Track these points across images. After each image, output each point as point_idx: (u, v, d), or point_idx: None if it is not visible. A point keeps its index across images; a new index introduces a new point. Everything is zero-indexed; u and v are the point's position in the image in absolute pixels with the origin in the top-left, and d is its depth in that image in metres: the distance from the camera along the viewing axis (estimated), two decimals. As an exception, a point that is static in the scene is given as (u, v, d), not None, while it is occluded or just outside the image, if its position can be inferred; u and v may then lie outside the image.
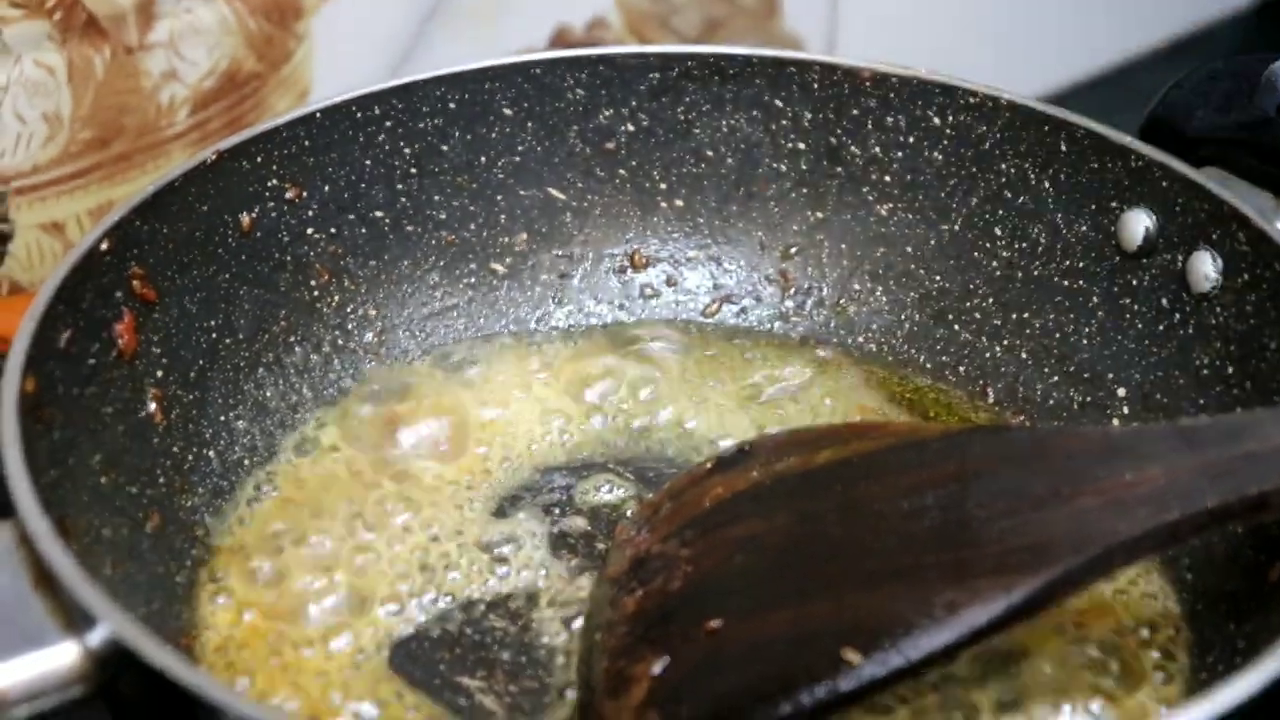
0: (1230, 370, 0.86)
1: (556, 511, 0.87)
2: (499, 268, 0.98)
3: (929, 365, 0.96)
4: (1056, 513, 0.72)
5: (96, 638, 0.66)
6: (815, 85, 0.97)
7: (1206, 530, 0.72)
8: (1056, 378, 0.93)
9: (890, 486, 0.77)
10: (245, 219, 0.90)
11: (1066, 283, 0.93)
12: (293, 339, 0.92)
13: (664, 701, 0.72)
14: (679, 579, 0.77)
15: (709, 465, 0.84)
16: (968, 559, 0.71)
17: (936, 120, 0.96)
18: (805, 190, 0.99)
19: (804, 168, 0.99)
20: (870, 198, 0.98)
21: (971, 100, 0.94)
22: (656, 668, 0.73)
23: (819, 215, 0.99)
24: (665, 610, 0.76)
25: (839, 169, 0.98)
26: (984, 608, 0.70)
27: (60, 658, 0.67)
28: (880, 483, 0.77)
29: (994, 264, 0.95)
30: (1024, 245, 0.94)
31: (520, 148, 0.98)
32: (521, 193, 0.98)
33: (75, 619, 0.67)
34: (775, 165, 0.99)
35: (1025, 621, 0.71)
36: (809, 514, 0.78)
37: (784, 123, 0.98)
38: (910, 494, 0.75)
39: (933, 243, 0.97)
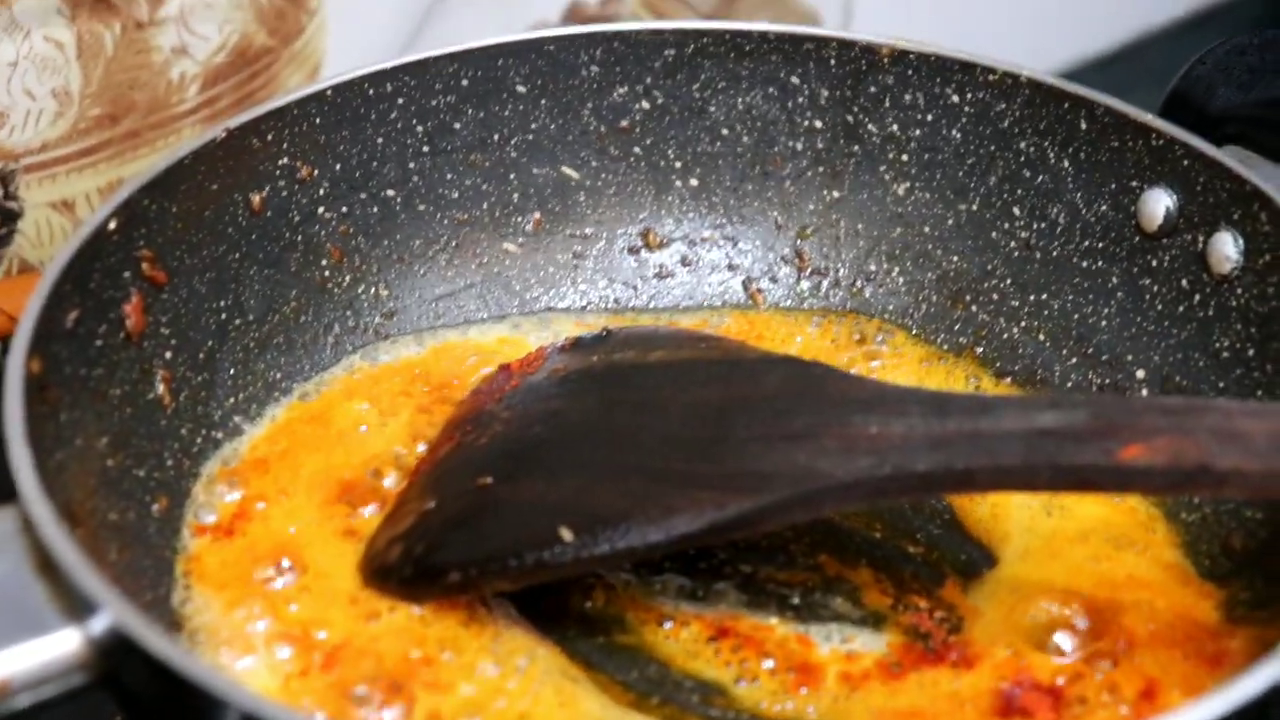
0: (1251, 353, 0.85)
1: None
2: (512, 247, 0.98)
3: (946, 347, 0.95)
4: (800, 447, 0.75)
5: (98, 625, 0.65)
6: (832, 62, 0.96)
7: (916, 492, 0.78)
8: (1075, 359, 0.92)
9: (689, 395, 0.81)
10: (255, 198, 0.89)
11: (1086, 263, 0.92)
12: (303, 319, 0.92)
13: (410, 537, 0.78)
14: (486, 437, 0.82)
15: (570, 341, 0.88)
16: (703, 472, 0.75)
17: (955, 98, 0.95)
18: (822, 169, 0.98)
19: (820, 146, 0.98)
20: (887, 176, 0.97)
21: (991, 78, 0.94)
22: (427, 505, 0.80)
23: (835, 194, 0.98)
24: (462, 461, 0.82)
25: (856, 147, 0.97)
26: (694, 518, 0.74)
27: (62, 645, 0.66)
28: (683, 390, 0.81)
29: (1012, 244, 0.95)
30: (1043, 225, 0.93)
31: (534, 125, 0.97)
32: (535, 171, 0.97)
33: (77, 606, 0.66)
34: (791, 143, 0.98)
35: (736, 536, 0.77)
36: (611, 402, 0.82)
37: (800, 100, 0.97)
38: (701, 405, 0.79)
39: (950, 222, 0.96)
